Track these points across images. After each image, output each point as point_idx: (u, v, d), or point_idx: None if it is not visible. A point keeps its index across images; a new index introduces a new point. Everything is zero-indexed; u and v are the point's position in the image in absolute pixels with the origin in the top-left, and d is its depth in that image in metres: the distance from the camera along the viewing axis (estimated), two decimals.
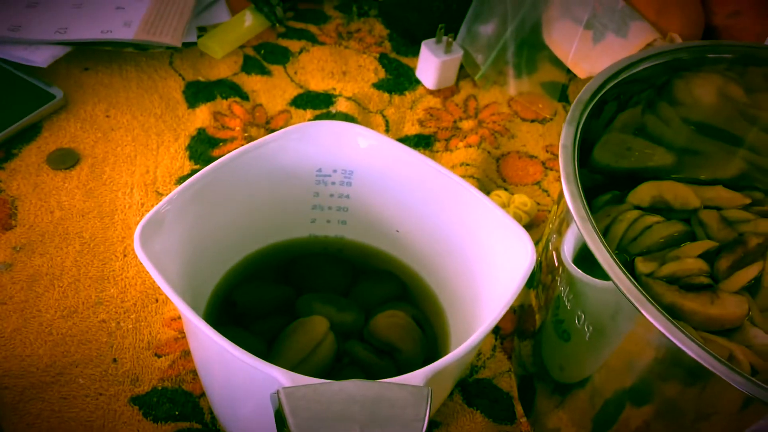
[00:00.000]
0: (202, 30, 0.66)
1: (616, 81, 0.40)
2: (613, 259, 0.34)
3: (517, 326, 0.49)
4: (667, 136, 0.46)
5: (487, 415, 0.45)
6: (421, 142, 0.61)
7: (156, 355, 0.45)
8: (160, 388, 0.43)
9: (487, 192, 0.57)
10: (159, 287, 0.35)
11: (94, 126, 0.57)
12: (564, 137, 0.38)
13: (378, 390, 0.32)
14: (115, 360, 0.44)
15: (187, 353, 0.45)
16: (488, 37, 0.66)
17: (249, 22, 0.67)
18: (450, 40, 0.64)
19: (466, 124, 0.63)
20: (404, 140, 0.61)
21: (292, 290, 0.45)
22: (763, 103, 0.44)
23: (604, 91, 0.40)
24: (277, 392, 0.32)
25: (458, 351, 0.35)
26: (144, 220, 0.36)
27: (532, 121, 0.64)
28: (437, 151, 0.61)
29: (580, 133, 0.39)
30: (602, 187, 0.50)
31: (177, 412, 0.42)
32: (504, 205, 0.57)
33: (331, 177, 0.44)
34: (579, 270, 0.37)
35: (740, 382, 0.32)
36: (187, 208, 0.39)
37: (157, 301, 0.47)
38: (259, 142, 0.41)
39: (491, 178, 0.59)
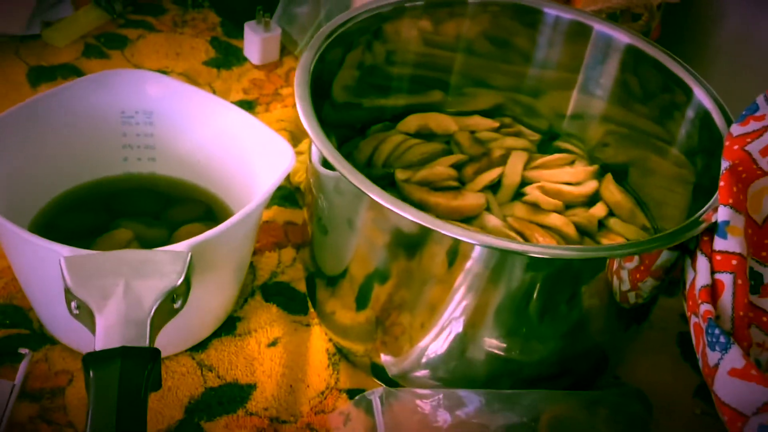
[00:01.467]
0: (47, 24, 0.74)
1: (341, 30, 0.50)
2: (334, 148, 0.43)
3: (302, 238, 0.58)
4: (395, 72, 0.57)
5: (283, 308, 0.54)
6: (243, 106, 0.69)
7: None
8: None
9: (298, 141, 0.66)
10: None
11: None
12: (302, 60, 0.48)
13: (145, 255, 0.41)
14: None
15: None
16: (303, 17, 0.76)
17: (90, 15, 0.75)
18: (267, 19, 0.74)
19: (286, 91, 0.72)
20: None
21: (109, 217, 0.52)
22: (445, 29, 0.56)
23: (332, 38, 0.50)
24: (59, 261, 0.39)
25: (219, 227, 0.43)
26: None
27: None
28: (258, 113, 0.70)
29: (316, 66, 0.48)
30: (376, 121, 0.60)
31: (8, 322, 0.50)
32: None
33: (134, 118, 0.53)
34: (321, 167, 0.46)
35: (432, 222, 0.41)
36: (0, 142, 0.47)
37: None
38: (64, 86, 0.49)
39: (303, 131, 0.68)
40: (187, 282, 0.40)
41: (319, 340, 0.52)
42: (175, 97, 0.52)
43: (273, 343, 0.52)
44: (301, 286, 0.56)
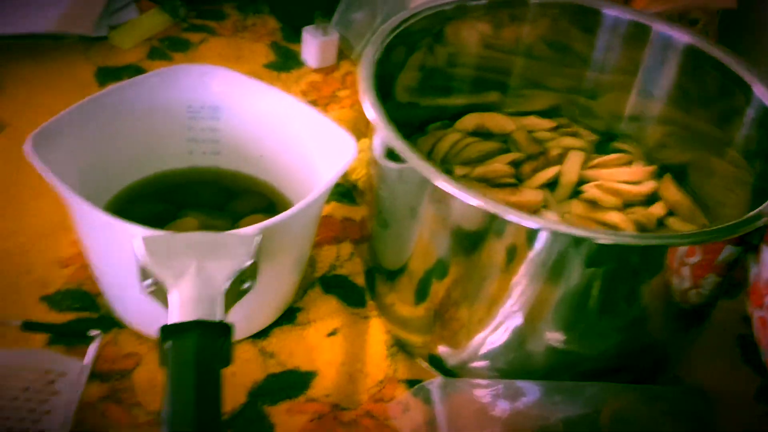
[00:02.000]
0: (113, 28, 0.76)
1: (402, 28, 0.51)
2: (399, 135, 0.44)
3: (360, 234, 0.59)
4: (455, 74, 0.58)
5: (342, 300, 0.55)
6: None
7: (62, 266, 0.54)
8: (64, 289, 0.52)
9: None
10: (68, 215, 0.43)
11: (16, 100, 0.67)
12: (365, 55, 0.49)
13: (216, 237, 0.42)
14: (28, 271, 0.53)
15: (87, 264, 0.54)
16: (360, 22, 0.77)
17: (154, 19, 0.77)
18: (325, 24, 0.75)
19: (343, 93, 0.74)
20: None
21: (174, 208, 0.54)
22: (505, 33, 0.56)
23: (394, 35, 0.51)
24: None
25: (286, 213, 0.44)
26: (36, 131, 0.46)
27: None
28: None
29: (379, 63, 0.49)
30: (435, 119, 0.60)
31: (78, 305, 0.51)
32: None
33: (200, 113, 0.54)
34: (384, 159, 0.47)
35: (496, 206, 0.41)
36: (75, 131, 0.49)
37: (65, 228, 0.56)
38: (134, 80, 0.51)
39: (360, 130, 0.69)
40: (256, 264, 0.42)
41: (377, 332, 0.53)
42: (240, 91, 0.53)
43: (332, 333, 0.53)
44: (359, 280, 0.57)
